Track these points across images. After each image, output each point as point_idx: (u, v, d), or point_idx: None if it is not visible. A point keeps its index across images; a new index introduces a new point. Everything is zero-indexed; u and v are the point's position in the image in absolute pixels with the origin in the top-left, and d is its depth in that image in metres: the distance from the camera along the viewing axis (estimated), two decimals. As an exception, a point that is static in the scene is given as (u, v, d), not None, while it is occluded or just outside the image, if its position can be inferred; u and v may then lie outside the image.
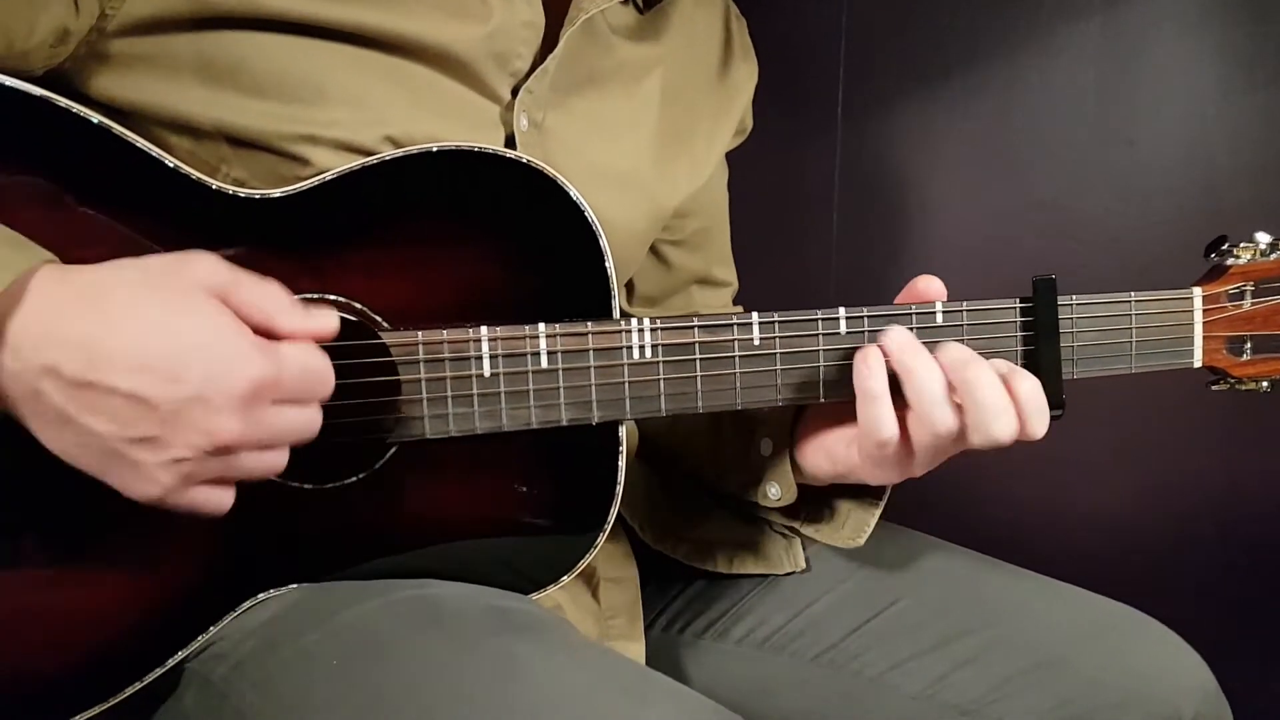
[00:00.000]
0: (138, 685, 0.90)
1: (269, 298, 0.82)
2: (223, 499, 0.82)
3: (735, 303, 1.36)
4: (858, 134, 1.83)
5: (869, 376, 0.94)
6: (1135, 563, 1.81)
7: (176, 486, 0.79)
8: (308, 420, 0.83)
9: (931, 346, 0.95)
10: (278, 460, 0.83)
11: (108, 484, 0.79)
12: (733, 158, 1.32)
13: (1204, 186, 1.71)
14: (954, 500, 1.66)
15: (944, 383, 0.93)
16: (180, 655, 0.92)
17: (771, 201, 1.79)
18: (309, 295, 0.90)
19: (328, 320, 0.84)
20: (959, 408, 0.93)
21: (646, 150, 1.14)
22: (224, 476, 0.81)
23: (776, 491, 1.11)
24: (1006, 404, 0.93)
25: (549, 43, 1.04)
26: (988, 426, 0.93)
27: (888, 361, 0.95)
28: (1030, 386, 0.95)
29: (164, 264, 0.80)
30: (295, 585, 0.95)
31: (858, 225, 1.85)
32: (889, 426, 0.94)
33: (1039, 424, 0.96)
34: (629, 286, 1.26)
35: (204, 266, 0.80)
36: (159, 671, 0.91)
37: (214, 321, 0.78)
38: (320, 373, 0.83)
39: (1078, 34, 1.72)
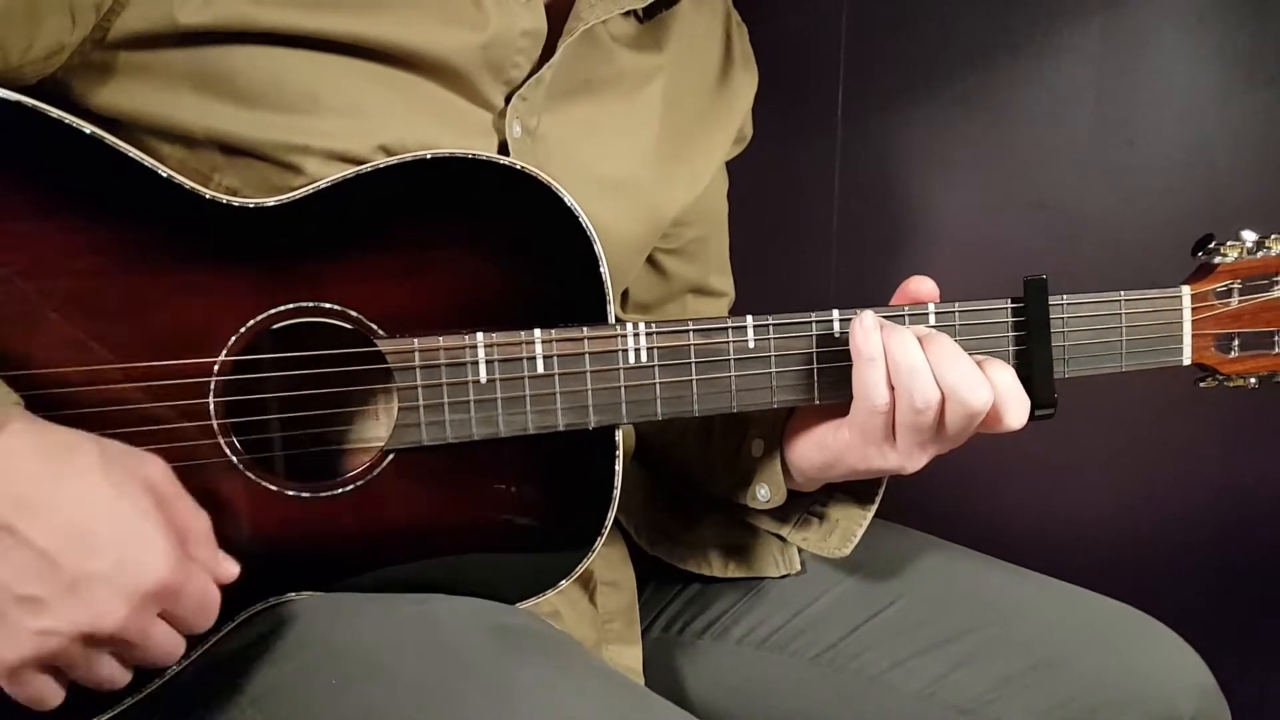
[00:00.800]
0: (136, 697, 0.91)
1: (197, 521, 0.83)
2: (51, 696, 0.80)
3: (733, 311, 1.35)
4: (858, 134, 1.83)
5: (864, 340, 0.96)
6: (1134, 562, 1.81)
7: (29, 661, 0.77)
8: (173, 649, 0.82)
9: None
10: (121, 677, 0.82)
11: None
12: (732, 159, 1.32)
13: (1204, 186, 1.71)
14: (953, 500, 1.66)
15: (922, 355, 0.95)
16: (178, 668, 0.92)
17: (771, 202, 1.79)
18: (304, 304, 0.91)
19: (231, 567, 0.85)
20: (937, 383, 0.96)
21: (645, 158, 1.14)
22: (72, 669, 0.79)
23: (766, 493, 1.11)
24: (983, 379, 0.96)
25: (548, 51, 1.04)
26: (965, 397, 0.95)
27: None
28: (1006, 374, 0.98)
29: (122, 450, 0.81)
30: (294, 595, 0.95)
31: (858, 226, 1.84)
32: (882, 390, 0.96)
33: (1017, 411, 0.98)
34: (624, 294, 1.26)
35: (156, 468, 0.82)
36: (158, 683, 0.91)
37: (148, 516, 0.79)
38: (212, 606, 0.84)
39: (1078, 34, 1.72)
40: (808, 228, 1.87)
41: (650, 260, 1.25)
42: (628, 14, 1.10)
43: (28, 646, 0.76)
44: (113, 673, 0.81)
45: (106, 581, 0.76)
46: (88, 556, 0.76)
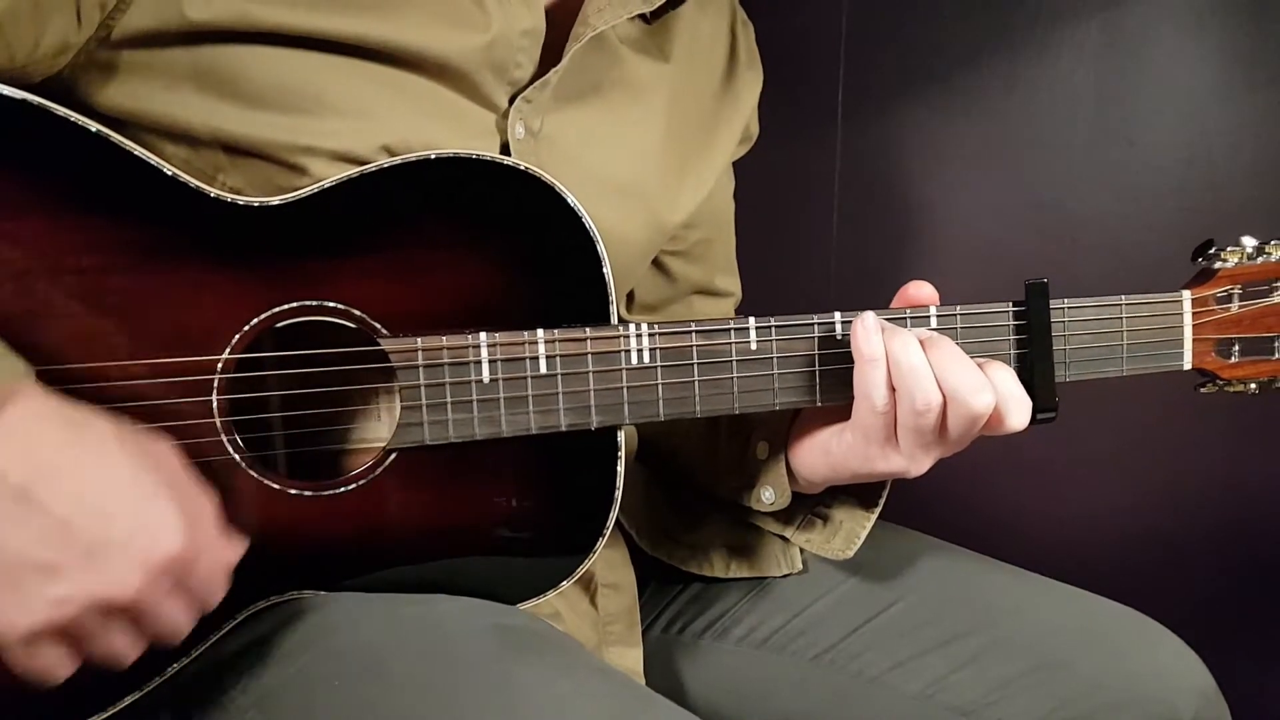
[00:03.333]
0: (137, 695, 0.91)
1: (203, 501, 0.83)
2: (62, 670, 0.79)
3: (737, 311, 1.35)
4: (858, 134, 1.83)
5: (866, 341, 0.96)
6: (1135, 564, 1.81)
7: (41, 631, 0.76)
8: (182, 626, 0.82)
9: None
10: (131, 651, 0.81)
11: None
12: (737, 159, 1.32)
13: (1204, 186, 1.71)
14: (954, 501, 1.66)
15: (924, 357, 0.95)
16: (180, 665, 0.92)
17: (771, 202, 1.79)
18: (308, 303, 0.91)
19: (240, 546, 0.85)
20: (939, 386, 0.96)
21: (651, 162, 1.13)
22: (83, 641, 0.79)
23: (770, 495, 1.11)
24: (985, 382, 0.96)
25: (551, 52, 1.03)
26: (967, 400, 0.95)
27: None
28: (1008, 376, 0.98)
29: (132, 429, 0.81)
30: (295, 593, 0.95)
31: (858, 225, 1.84)
32: (883, 392, 0.96)
33: (1019, 413, 0.98)
34: (629, 295, 1.26)
35: (164, 448, 0.82)
36: (158, 681, 0.91)
37: (161, 491, 0.79)
38: (221, 583, 0.84)
39: (1077, 34, 1.72)
40: (808, 227, 1.87)
41: (656, 262, 1.25)
42: (634, 17, 1.10)
43: (42, 614, 0.76)
44: (124, 646, 0.81)
45: (123, 550, 0.76)
46: (105, 525, 0.76)
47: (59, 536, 0.75)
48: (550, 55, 1.03)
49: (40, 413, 0.77)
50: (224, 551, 0.84)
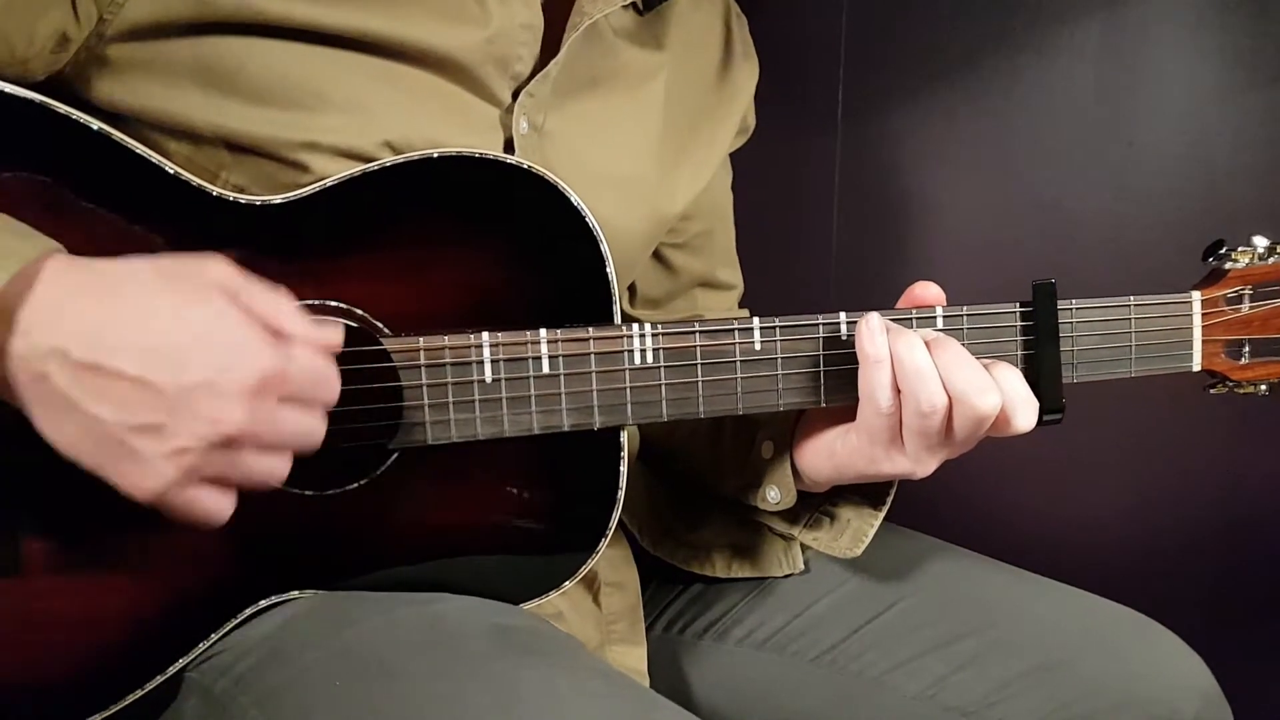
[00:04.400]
0: (139, 693, 0.90)
1: (278, 300, 0.82)
2: (221, 504, 0.81)
3: (740, 304, 1.35)
4: (858, 134, 1.83)
5: (870, 342, 0.96)
6: (1136, 565, 1.81)
7: (177, 481, 0.78)
8: (311, 426, 0.82)
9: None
10: (279, 466, 0.82)
11: (107, 480, 0.78)
12: (732, 158, 1.32)
13: (1204, 186, 1.71)
14: (955, 502, 1.66)
15: (929, 359, 0.95)
16: (181, 663, 0.92)
17: (771, 201, 1.79)
18: (310, 302, 0.90)
19: (334, 331, 0.84)
20: (945, 387, 0.95)
21: (649, 154, 1.14)
22: (225, 476, 0.80)
23: (776, 495, 1.11)
24: (991, 383, 0.95)
25: (549, 45, 1.03)
26: (974, 402, 0.94)
27: None
28: (1015, 377, 0.98)
29: (176, 261, 0.80)
30: (297, 593, 0.95)
31: (858, 225, 1.84)
32: (888, 393, 0.96)
33: (1026, 414, 0.98)
34: (631, 289, 1.26)
35: (216, 267, 0.80)
36: (159, 679, 0.91)
37: (224, 313, 0.78)
38: (327, 377, 0.83)
39: (1078, 34, 1.72)
40: (807, 227, 1.87)
41: (657, 255, 1.25)
42: (627, 6, 1.10)
43: (168, 470, 0.77)
44: (268, 467, 0.81)
45: (208, 387, 0.76)
46: (180, 370, 0.76)
47: (144, 395, 0.75)
48: (548, 50, 1.04)
49: (76, 282, 0.77)
50: (315, 341, 0.82)
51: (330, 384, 0.83)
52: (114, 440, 0.76)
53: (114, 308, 0.76)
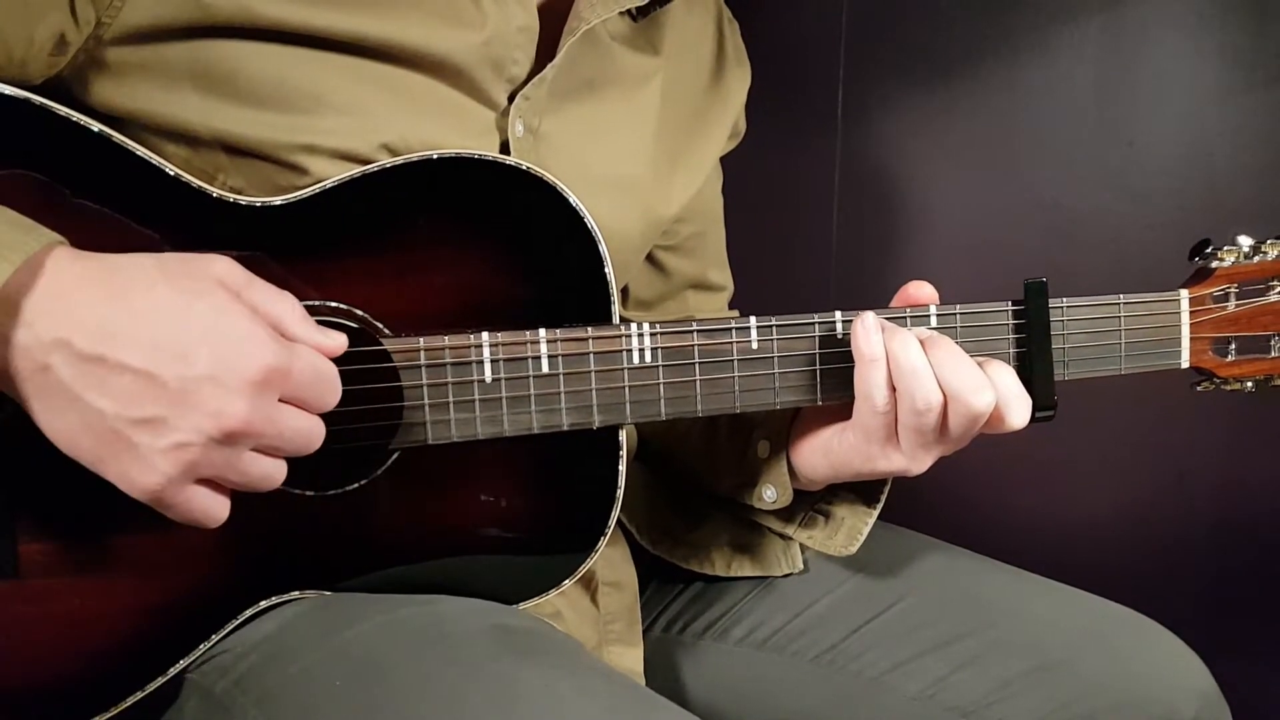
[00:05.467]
0: (139, 694, 0.91)
1: (283, 302, 0.83)
2: (218, 505, 0.81)
3: (732, 305, 1.36)
4: (858, 134, 1.83)
5: (866, 341, 0.97)
6: (1135, 565, 1.81)
7: (176, 479, 0.78)
8: (310, 428, 0.83)
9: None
10: (276, 469, 0.83)
11: (105, 476, 0.78)
12: (733, 157, 1.32)
13: (1204, 186, 1.71)
14: (954, 501, 1.66)
15: (924, 357, 0.96)
16: (182, 664, 0.92)
17: (771, 202, 1.79)
18: (310, 303, 0.91)
19: (337, 337, 0.85)
20: (939, 385, 0.96)
21: (645, 157, 1.14)
22: (223, 476, 0.80)
23: (772, 494, 1.12)
24: (985, 381, 0.96)
25: (545, 49, 1.04)
26: (969, 399, 0.95)
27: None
28: (1008, 375, 0.98)
29: (180, 258, 0.81)
30: (297, 594, 0.95)
31: (858, 225, 1.84)
32: (884, 391, 0.96)
33: (1019, 411, 0.99)
34: (623, 291, 1.26)
35: (221, 265, 0.81)
36: (160, 680, 0.91)
37: (228, 309, 0.79)
38: (329, 378, 0.83)
39: (1078, 34, 1.72)
40: (808, 227, 1.87)
41: (650, 257, 1.26)
42: (624, 13, 1.10)
43: (167, 465, 0.77)
44: (265, 469, 0.82)
45: (212, 381, 0.76)
46: (184, 363, 0.76)
47: (147, 388, 0.75)
48: (544, 54, 1.04)
49: (81, 274, 0.77)
50: (319, 345, 0.83)
51: (332, 386, 0.84)
52: (114, 434, 0.76)
53: (119, 300, 0.77)
